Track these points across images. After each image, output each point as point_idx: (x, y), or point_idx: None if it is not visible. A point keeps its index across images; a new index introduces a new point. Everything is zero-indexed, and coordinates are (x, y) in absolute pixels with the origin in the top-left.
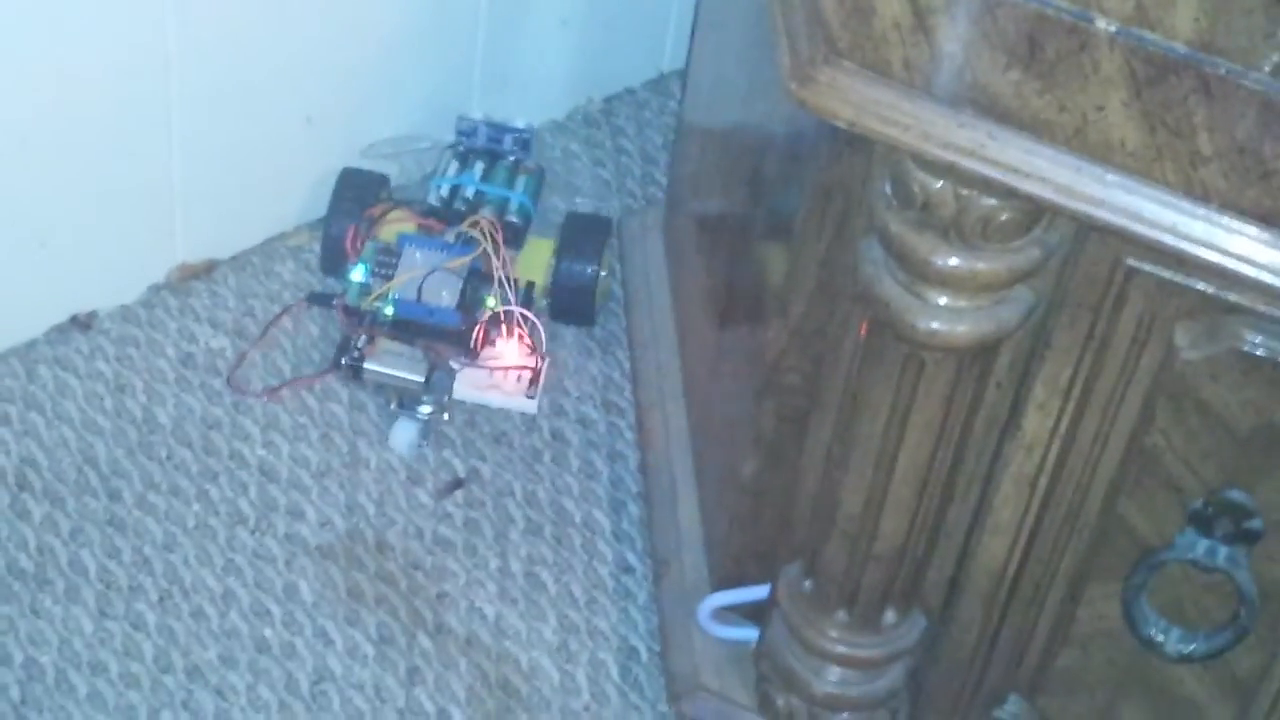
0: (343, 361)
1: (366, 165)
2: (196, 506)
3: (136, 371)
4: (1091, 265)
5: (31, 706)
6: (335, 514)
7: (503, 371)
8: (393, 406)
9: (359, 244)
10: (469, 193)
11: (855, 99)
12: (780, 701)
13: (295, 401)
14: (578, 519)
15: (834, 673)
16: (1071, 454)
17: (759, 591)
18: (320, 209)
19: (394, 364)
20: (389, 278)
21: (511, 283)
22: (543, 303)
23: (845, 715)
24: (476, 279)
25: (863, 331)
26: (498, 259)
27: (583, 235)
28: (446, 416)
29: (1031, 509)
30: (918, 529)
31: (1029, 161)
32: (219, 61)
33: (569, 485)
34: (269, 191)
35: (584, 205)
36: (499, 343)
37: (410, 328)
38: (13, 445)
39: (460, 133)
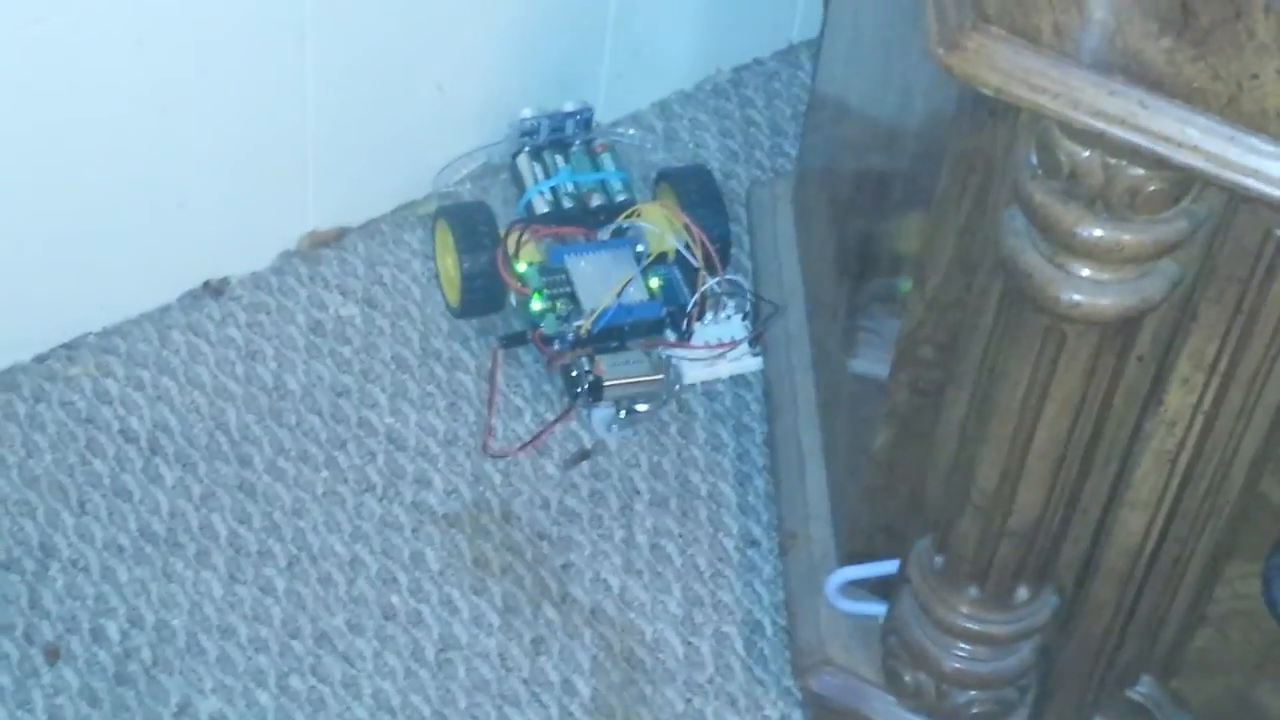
0: (578, 391)
1: (442, 194)
2: (325, 473)
3: (267, 338)
4: (1241, 237)
5: (162, 668)
6: (462, 483)
7: (719, 342)
8: (621, 414)
9: (511, 277)
10: (570, 188)
11: (1003, 65)
12: (908, 678)
13: (424, 370)
14: (703, 491)
15: (963, 649)
16: (1214, 430)
17: (888, 566)
18: (451, 177)
19: (627, 371)
20: (565, 295)
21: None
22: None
23: (974, 692)
24: (654, 265)
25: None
26: (691, 240)
27: (695, 187)
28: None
29: (1171, 486)
30: (1053, 505)
31: (1181, 131)
32: (353, 29)
33: (695, 458)
34: (400, 160)
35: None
36: (703, 317)
37: (614, 333)
38: (146, 410)
39: (523, 134)
